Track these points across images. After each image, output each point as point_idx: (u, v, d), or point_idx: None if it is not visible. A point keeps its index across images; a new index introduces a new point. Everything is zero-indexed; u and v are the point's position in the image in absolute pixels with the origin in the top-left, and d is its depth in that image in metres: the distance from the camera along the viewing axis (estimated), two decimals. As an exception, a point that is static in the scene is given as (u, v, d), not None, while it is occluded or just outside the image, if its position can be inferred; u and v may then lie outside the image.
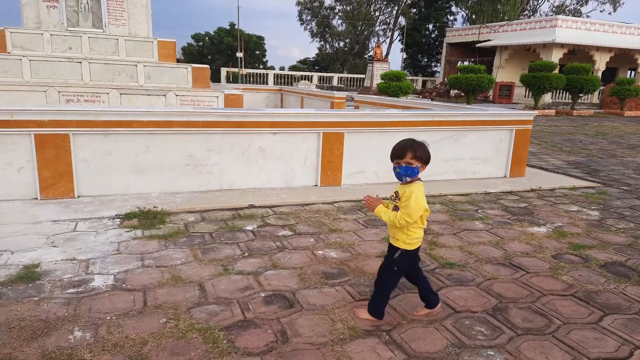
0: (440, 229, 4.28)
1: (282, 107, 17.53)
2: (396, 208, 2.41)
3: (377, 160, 6.00)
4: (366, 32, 42.97)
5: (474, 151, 6.54)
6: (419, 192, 2.35)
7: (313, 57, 50.88)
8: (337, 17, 43.23)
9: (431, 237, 4.00)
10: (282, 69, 48.93)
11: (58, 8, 8.68)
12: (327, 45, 45.45)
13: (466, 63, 32.62)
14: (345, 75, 36.31)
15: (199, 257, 3.38)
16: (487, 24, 32.85)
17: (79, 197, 4.76)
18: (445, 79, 31.74)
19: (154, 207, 4.44)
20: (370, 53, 44.08)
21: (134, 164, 4.98)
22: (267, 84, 31.33)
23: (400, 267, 2.50)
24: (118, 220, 4.12)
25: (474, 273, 3.29)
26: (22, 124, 4.44)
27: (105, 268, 3.11)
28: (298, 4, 42.95)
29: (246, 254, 3.48)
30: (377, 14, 43.07)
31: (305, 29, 44.33)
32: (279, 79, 32.88)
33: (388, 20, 43.61)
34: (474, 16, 38.53)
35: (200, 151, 5.23)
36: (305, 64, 52.02)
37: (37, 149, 4.52)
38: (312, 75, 33.93)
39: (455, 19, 45.90)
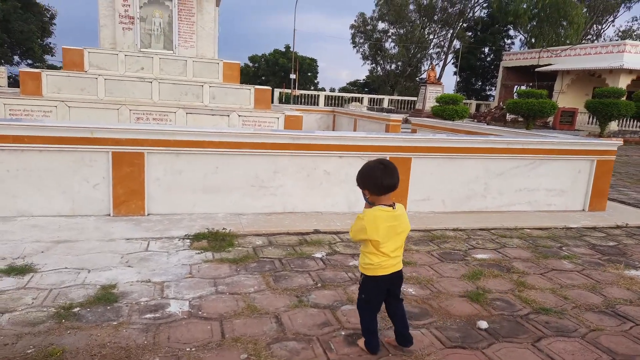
0: (525, 267, 3.93)
1: (334, 128, 17.54)
2: None
3: (445, 187, 5.73)
4: (419, 55, 42.66)
5: (550, 182, 6.10)
6: (367, 219, 2.29)
7: (363, 79, 51.11)
8: (389, 40, 43.31)
9: (517, 277, 3.66)
10: (332, 90, 49.45)
11: (133, 30, 9.13)
12: (379, 68, 45.49)
13: (524, 87, 31.52)
14: (396, 97, 36.03)
15: (271, 285, 3.25)
16: (548, 48, 31.68)
17: (148, 215, 4.81)
18: (501, 103, 30.76)
19: (223, 228, 4.38)
20: (423, 75, 43.71)
21: (203, 183, 5.00)
22: (317, 104, 31.63)
23: (365, 293, 2.43)
24: (188, 240, 4.09)
25: (574, 322, 2.93)
26: (101, 141, 4.56)
27: (180, 292, 3.04)
28: (352, 27, 43.45)
29: (319, 285, 3.31)
30: (431, 37, 42.75)
31: (357, 51, 44.58)
32: (330, 100, 33.12)
33: (442, 43, 43.14)
34: (533, 40, 37.33)
35: (266, 172, 5.19)
36: (355, 86, 52.32)
37: (113, 167, 4.62)
38: (362, 97, 33.91)
39: (512, 43, 44.71)
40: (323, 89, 45.69)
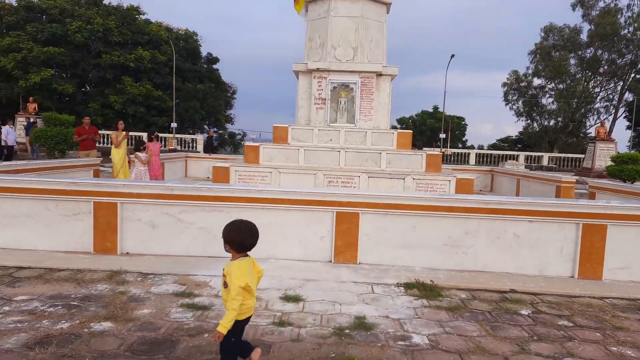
0: None
1: (492, 189, 17.31)
2: (225, 284, 2.72)
3: (647, 257, 5.60)
4: (582, 110, 39.42)
5: None
6: (238, 273, 2.65)
7: (516, 135, 48.81)
8: (547, 95, 41.12)
9: None
10: (480, 147, 48.17)
11: (324, 109, 10.95)
12: (534, 124, 43.15)
13: None
14: (556, 154, 33.56)
15: (490, 332, 3.81)
16: None
17: (360, 263, 5.80)
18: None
19: (430, 280, 5.10)
20: (589, 131, 40.03)
21: (402, 240, 5.84)
22: (468, 163, 31.26)
23: (235, 336, 2.73)
24: (402, 288, 4.89)
25: None
26: (328, 203, 5.79)
27: (416, 329, 3.80)
28: (504, 85, 42.61)
29: (535, 338, 3.74)
30: (596, 90, 39.38)
31: (510, 108, 43.23)
32: (480, 158, 32.45)
33: (611, 96, 39.29)
34: None
35: (458, 234, 5.82)
36: (506, 142, 50.12)
37: (336, 223, 5.78)
38: (518, 155, 32.43)
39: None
40: (472, 147, 44.84)
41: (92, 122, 27.88)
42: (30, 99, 25.34)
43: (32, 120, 21.99)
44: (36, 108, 25.05)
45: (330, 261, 5.81)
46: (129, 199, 5.69)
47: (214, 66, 41.52)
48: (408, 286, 4.95)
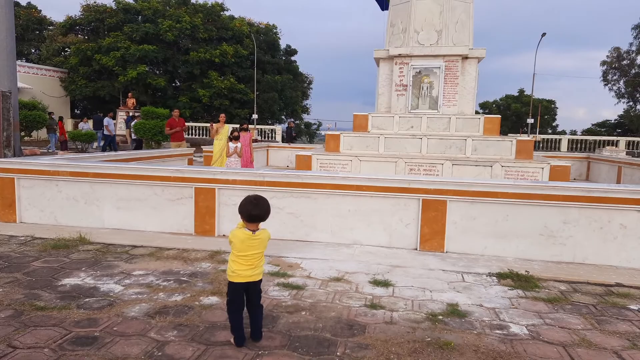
0: None
1: (588, 177, 15.99)
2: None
3: None
4: (699, 88, 34.67)
5: None
6: (230, 234, 3.07)
7: (615, 119, 44.29)
8: (655, 73, 36.71)
9: None
10: (573, 132, 44.43)
11: (405, 95, 10.78)
12: (638, 106, 38.79)
13: None
14: (666, 140, 29.93)
15: (595, 326, 3.59)
16: None
17: (446, 252, 5.71)
18: None
19: (525, 271, 4.90)
20: None
21: (493, 229, 5.64)
22: (559, 149, 29.01)
23: (229, 295, 3.06)
24: (494, 277, 4.75)
25: None
26: (414, 190, 5.74)
27: (513, 319, 3.69)
28: (603, 63, 38.72)
29: (648, 334, 3.47)
30: None
31: (610, 89, 39.23)
32: (573, 145, 29.92)
33: None
34: None
35: (555, 223, 5.49)
36: (603, 127, 45.66)
37: (422, 210, 5.73)
38: (617, 141, 29.43)
39: None
40: (564, 132, 41.49)
41: (181, 114, 30.10)
42: (130, 94, 27.79)
43: (131, 114, 24.14)
44: (134, 103, 27.44)
45: (416, 249, 5.79)
46: (226, 185, 6.10)
47: (292, 58, 42.41)
48: (501, 276, 4.79)
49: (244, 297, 3.12)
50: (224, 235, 6.18)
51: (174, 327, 3.36)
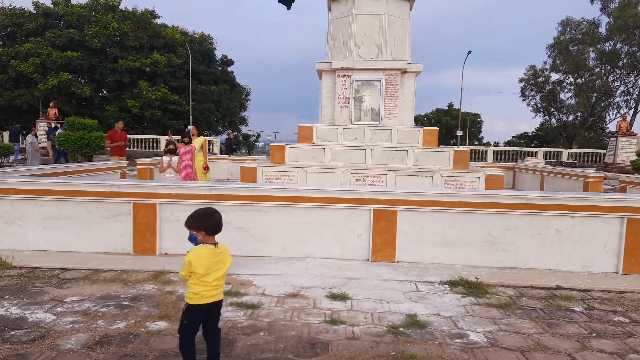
0: None
1: (514, 186, 17.06)
2: None
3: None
4: (602, 104, 38.73)
5: None
6: (192, 256, 2.75)
7: (533, 132, 48.19)
8: (565, 90, 40.51)
9: None
10: (496, 144, 47.63)
11: (348, 108, 10.91)
12: (552, 119, 42.53)
13: None
14: (575, 150, 33.06)
15: (546, 329, 3.72)
16: None
17: (398, 262, 5.74)
18: None
19: (475, 278, 5.03)
20: (608, 125, 39.35)
21: (441, 237, 5.76)
22: (486, 160, 30.95)
23: (187, 320, 2.78)
24: (447, 285, 4.83)
25: None
26: (366, 201, 5.74)
27: (471, 327, 3.73)
28: (521, 80, 42.08)
29: (594, 334, 3.65)
30: (616, 84, 38.66)
31: (527, 104, 42.67)
32: (498, 155, 32.11)
33: (631, 90, 38.53)
34: None
35: (498, 230, 5.72)
36: (522, 139, 49.52)
37: (373, 221, 5.73)
38: (536, 151, 32.00)
39: None
40: (488, 144, 44.38)
41: (109, 126, 28.38)
42: (51, 103, 25.75)
43: (53, 125, 22.34)
44: (56, 113, 25.45)
45: (368, 259, 5.76)
46: (168, 200, 5.72)
47: (229, 68, 41.77)
48: (452, 284, 4.88)
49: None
50: (166, 253, 5.78)
51: (119, 358, 3.02)
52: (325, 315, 3.89)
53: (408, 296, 4.45)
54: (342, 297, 4.30)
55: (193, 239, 2.84)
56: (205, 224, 2.84)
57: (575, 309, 4.24)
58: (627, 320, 3.97)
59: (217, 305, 2.88)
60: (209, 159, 17.32)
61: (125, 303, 4.02)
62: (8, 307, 3.84)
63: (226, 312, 3.86)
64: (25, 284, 4.45)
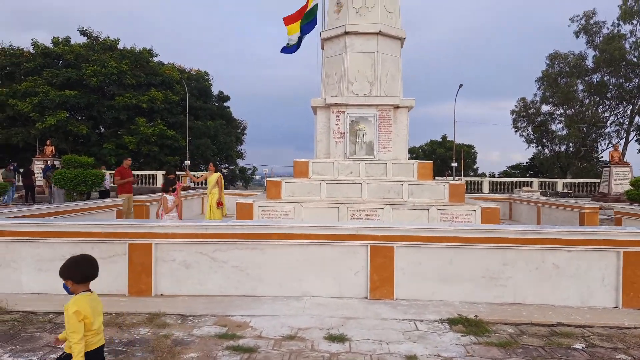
0: None
1: (510, 217, 17.08)
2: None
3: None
4: (594, 135, 39.37)
5: None
6: (73, 306, 2.61)
7: (527, 162, 48.64)
8: (556, 121, 41.24)
9: None
10: (492, 174, 47.93)
11: (343, 142, 11.05)
12: (545, 150, 43.08)
13: None
14: (570, 180, 33.32)
15: (548, 369, 3.67)
16: None
17: (396, 299, 5.68)
18: None
19: (474, 315, 4.97)
20: (600, 155, 39.87)
21: (439, 273, 5.73)
22: (481, 191, 31.13)
23: None
24: (446, 324, 4.76)
25: None
26: (362, 237, 5.73)
27: (472, 367, 3.67)
28: (512, 112, 42.86)
29: (596, 373, 3.60)
30: (606, 114, 39.46)
31: (520, 135, 43.31)
32: (494, 186, 32.32)
33: (621, 120, 39.27)
34: None
35: (495, 265, 5.70)
36: (517, 169, 49.91)
37: (370, 258, 5.71)
38: (531, 182, 32.26)
39: None
40: (484, 174, 44.68)
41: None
42: (48, 142, 25.92)
43: (49, 163, 22.40)
44: (53, 151, 25.58)
45: (366, 297, 5.70)
46: (163, 239, 5.69)
47: (225, 103, 42.38)
48: (452, 322, 4.82)
49: None
50: (161, 294, 5.70)
51: (112, 410, 2.93)
52: (323, 358, 3.82)
53: (407, 336, 4.39)
54: (341, 339, 4.24)
55: (66, 288, 2.75)
56: (72, 274, 2.72)
57: (577, 346, 4.19)
58: (629, 358, 3.92)
59: (101, 350, 2.80)
60: (226, 194, 17.35)
61: (119, 348, 3.94)
62: (1, 355, 3.75)
63: (222, 357, 3.78)
64: (18, 330, 4.36)
